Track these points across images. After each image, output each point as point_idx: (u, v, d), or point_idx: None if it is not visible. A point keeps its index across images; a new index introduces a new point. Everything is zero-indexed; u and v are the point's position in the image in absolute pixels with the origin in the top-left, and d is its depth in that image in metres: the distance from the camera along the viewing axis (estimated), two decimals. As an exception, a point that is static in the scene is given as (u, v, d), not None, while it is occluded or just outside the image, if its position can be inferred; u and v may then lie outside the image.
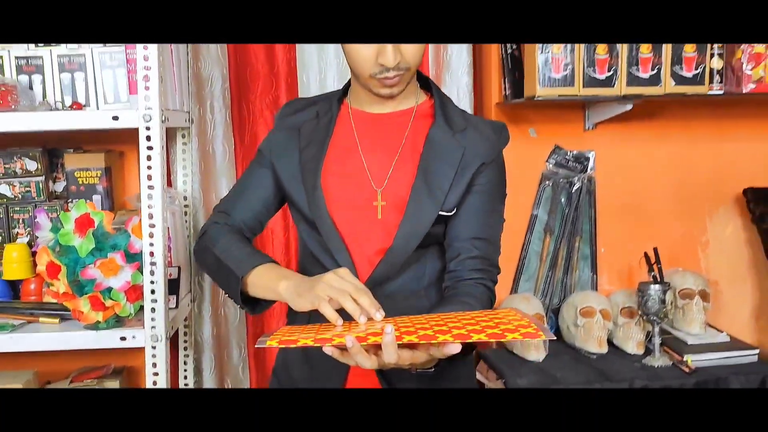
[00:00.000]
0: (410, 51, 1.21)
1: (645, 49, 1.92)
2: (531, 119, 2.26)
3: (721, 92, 2.01)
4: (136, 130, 1.68)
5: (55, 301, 1.81)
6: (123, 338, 1.72)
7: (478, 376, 2.14)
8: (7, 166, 1.98)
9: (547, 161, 2.26)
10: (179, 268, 1.98)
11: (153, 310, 1.70)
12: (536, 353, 2.10)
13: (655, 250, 2.11)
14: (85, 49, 1.87)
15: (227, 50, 2.19)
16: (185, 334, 2.16)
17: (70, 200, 1.99)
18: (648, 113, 2.25)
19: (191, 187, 2.14)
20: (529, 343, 2.10)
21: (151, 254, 1.69)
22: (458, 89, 2.24)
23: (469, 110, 2.21)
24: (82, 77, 1.88)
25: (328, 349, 1.04)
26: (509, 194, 1.36)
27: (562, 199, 2.26)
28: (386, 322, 1.07)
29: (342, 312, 1.09)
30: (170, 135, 2.11)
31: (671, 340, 2.14)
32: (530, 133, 2.26)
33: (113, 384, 2.02)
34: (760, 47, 2.00)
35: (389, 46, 1.19)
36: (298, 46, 2.21)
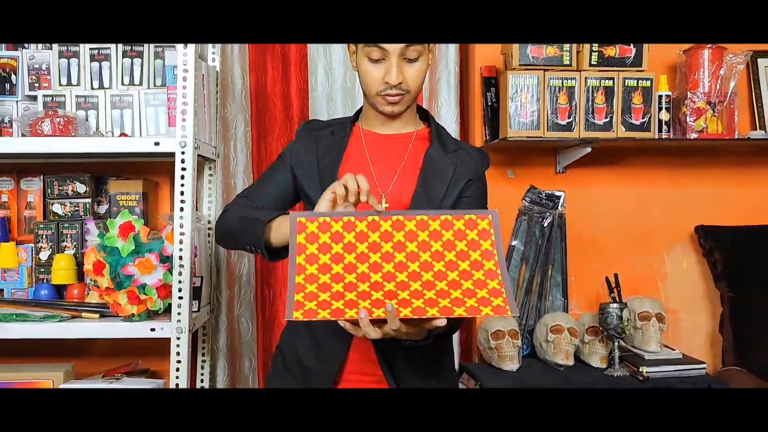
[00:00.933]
0: (410, 75, 1.48)
1: (599, 100, 2.28)
2: (510, 163, 2.61)
3: (667, 138, 2.34)
4: (169, 164, 2.03)
5: (96, 300, 2.15)
6: (152, 329, 2.02)
7: (461, 384, 2.41)
8: (61, 188, 2.33)
9: (523, 199, 2.60)
10: (202, 278, 2.30)
11: (179, 305, 2.01)
12: (511, 364, 2.38)
13: (615, 275, 2.42)
14: (133, 90, 2.26)
15: (250, 99, 2.57)
16: (203, 341, 2.46)
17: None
18: (610, 160, 2.59)
19: (215, 213, 2.48)
20: (504, 356, 2.38)
21: (180, 258, 2.02)
22: (447, 135, 2.60)
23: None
24: (129, 113, 2.25)
25: (342, 322, 1.22)
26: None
27: (537, 232, 2.58)
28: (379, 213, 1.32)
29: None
30: (199, 167, 2.46)
31: (630, 356, 2.42)
32: (509, 174, 2.61)
33: (140, 378, 2.31)
34: (701, 103, 2.35)
35: (394, 68, 1.45)
36: (311, 96, 2.60)
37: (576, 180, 2.61)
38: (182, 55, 2.02)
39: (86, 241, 2.07)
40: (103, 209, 2.41)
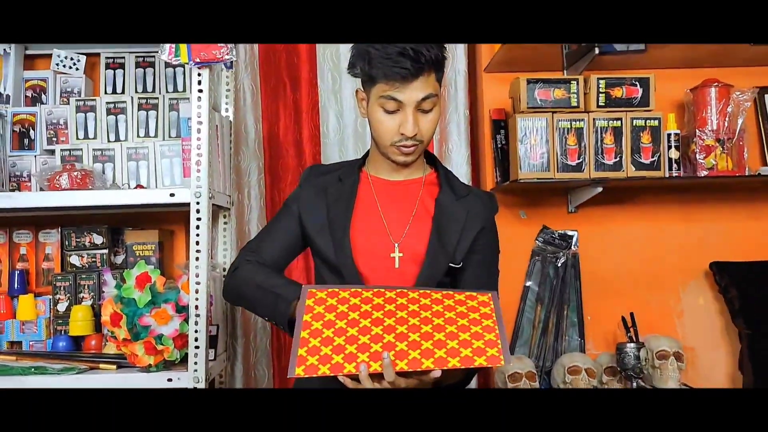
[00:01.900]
0: (424, 126, 1.49)
1: (608, 140, 2.30)
2: (522, 204, 2.63)
3: (678, 176, 2.35)
4: (184, 214, 2.05)
5: (113, 351, 2.16)
6: (170, 380, 2.03)
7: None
8: (78, 240, 2.37)
9: (536, 239, 2.61)
10: (218, 326, 2.31)
11: (196, 355, 2.02)
12: (529, 407, 2.36)
13: (632, 314, 2.42)
14: (148, 142, 2.30)
15: (263, 146, 2.61)
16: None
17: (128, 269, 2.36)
18: (621, 198, 2.60)
19: (229, 261, 2.50)
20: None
21: (196, 308, 2.03)
22: (459, 177, 2.61)
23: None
24: (145, 165, 2.29)
25: (341, 378, 1.25)
26: (504, 268, 1.71)
27: (551, 273, 2.58)
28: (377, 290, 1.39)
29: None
30: (214, 216, 2.49)
31: (650, 396, 2.40)
32: (521, 215, 2.62)
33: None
34: (710, 140, 2.36)
35: (410, 120, 1.46)
36: (322, 143, 2.63)
37: (588, 219, 2.62)
38: (196, 107, 2.06)
39: (103, 291, 2.09)
40: (119, 259, 2.44)
